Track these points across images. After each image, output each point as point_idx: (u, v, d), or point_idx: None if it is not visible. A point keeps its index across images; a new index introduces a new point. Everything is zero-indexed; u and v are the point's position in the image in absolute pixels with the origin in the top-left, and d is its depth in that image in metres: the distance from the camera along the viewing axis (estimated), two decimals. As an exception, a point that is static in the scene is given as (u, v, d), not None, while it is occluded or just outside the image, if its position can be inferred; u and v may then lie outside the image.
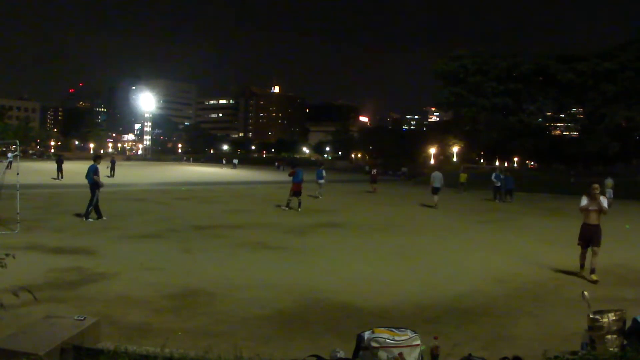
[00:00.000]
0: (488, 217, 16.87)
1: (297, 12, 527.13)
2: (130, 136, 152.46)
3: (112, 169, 29.88)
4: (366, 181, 43.38)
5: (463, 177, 29.93)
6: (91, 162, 13.06)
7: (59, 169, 27.55)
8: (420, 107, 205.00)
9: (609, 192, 22.09)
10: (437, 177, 19.23)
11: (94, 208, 12.42)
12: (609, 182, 23.14)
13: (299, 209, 16.04)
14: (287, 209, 16.20)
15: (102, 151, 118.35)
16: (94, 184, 12.56)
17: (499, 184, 22.12)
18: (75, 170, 37.76)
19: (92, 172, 12.63)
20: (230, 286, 6.60)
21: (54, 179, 26.41)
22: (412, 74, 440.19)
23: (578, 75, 46.20)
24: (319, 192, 21.38)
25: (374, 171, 27.67)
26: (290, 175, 16.99)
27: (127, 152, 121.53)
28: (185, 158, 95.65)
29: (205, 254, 8.86)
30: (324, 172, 22.02)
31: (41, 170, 31.04)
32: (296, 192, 16.44)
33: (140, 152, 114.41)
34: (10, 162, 13.24)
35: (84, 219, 12.14)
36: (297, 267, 8.13)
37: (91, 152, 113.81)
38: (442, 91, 54.27)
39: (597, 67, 45.34)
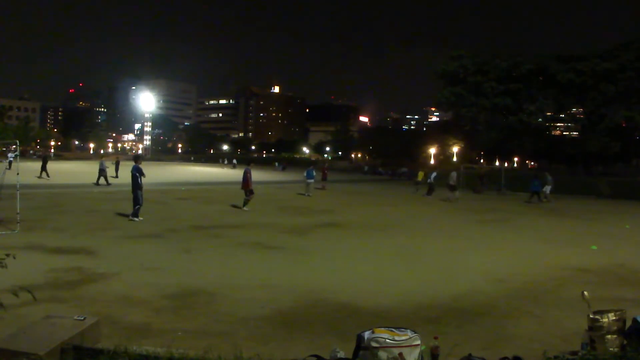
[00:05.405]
0: (487, 217, 16.85)
1: (298, 12, 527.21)
2: (130, 136, 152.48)
3: (117, 169, 29.90)
4: (366, 181, 43.67)
5: (420, 175, 30.15)
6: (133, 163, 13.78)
7: (43, 168, 27.24)
8: (420, 107, 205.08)
9: (548, 188, 23.44)
10: (419, 175, 29.02)
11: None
12: (548, 180, 24.10)
13: None
14: None
15: (102, 151, 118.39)
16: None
17: (430, 181, 25.58)
18: (76, 170, 37.89)
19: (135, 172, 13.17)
20: (230, 286, 6.60)
21: (38, 177, 26.16)
22: (412, 74, 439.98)
23: (578, 75, 46.12)
24: (308, 190, 23.21)
25: (326, 171, 31.76)
26: None
27: (128, 152, 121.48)
28: (192, 158, 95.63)
29: (205, 254, 8.86)
30: (313, 172, 24.59)
31: (38, 170, 30.84)
32: None
33: (140, 152, 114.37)
34: (11, 162, 13.25)
35: (133, 219, 12.61)
36: (297, 267, 8.13)
37: (91, 152, 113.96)
38: (442, 91, 54.20)
39: (597, 67, 45.26)
